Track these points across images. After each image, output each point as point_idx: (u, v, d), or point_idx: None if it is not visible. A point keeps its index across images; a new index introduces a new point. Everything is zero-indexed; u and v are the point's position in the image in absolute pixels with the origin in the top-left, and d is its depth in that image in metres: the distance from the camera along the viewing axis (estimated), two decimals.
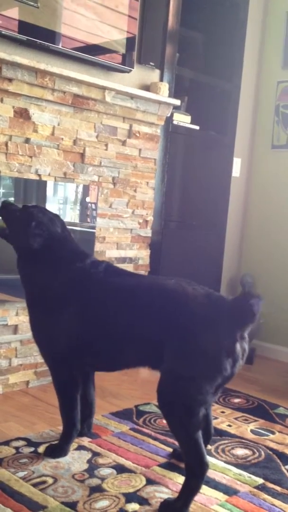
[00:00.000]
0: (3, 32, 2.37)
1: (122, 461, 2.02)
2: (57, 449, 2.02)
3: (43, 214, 2.02)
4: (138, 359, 1.89)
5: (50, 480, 1.84)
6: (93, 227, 2.99)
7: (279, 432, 2.42)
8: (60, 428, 2.08)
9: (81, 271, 1.96)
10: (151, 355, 1.81)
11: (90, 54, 2.71)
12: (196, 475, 1.70)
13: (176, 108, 3.22)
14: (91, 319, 1.90)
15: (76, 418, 2.02)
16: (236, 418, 2.54)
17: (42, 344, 2.02)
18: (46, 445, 2.07)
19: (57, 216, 2.07)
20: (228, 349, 1.68)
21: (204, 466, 1.69)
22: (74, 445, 2.10)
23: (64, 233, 2.04)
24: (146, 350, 1.82)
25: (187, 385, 1.68)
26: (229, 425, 2.45)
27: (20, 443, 2.10)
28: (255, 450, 2.21)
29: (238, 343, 1.70)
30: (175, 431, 1.76)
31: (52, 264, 1.98)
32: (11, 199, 3.11)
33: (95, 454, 2.06)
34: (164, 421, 2.38)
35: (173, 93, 3.22)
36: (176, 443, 2.15)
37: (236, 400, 2.77)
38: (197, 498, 1.76)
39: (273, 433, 2.40)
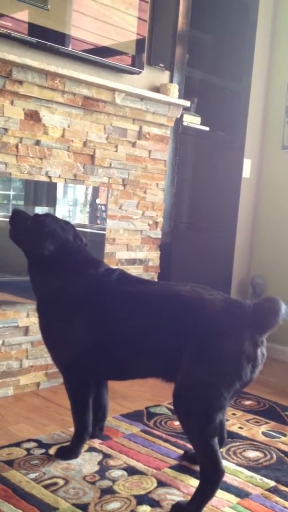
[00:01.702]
0: (13, 35, 2.38)
1: (133, 463, 2.02)
2: (68, 451, 2.01)
3: (54, 222, 2.01)
4: (151, 368, 1.86)
5: (61, 482, 1.84)
6: (103, 229, 2.99)
7: None
8: (71, 429, 2.08)
9: (94, 278, 1.94)
10: (165, 364, 1.79)
11: (100, 56, 2.71)
12: (211, 482, 1.69)
13: (186, 109, 3.22)
14: (104, 327, 1.89)
15: (88, 421, 2.02)
16: (247, 420, 2.52)
17: (54, 351, 2.01)
18: (57, 446, 2.07)
19: (68, 223, 2.06)
20: (249, 355, 1.67)
21: (219, 473, 1.68)
22: (85, 446, 2.10)
23: (76, 241, 2.03)
24: (161, 359, 1.80)
25: (206, 391, 1.66)
26: (240, 427, 2.43)
27: (31, 444, 2.10)
28: (267, 453, 2.20)
29: (259, 348, 1.70)
30: (191, 437, 1.75)
31: (65, 272, 1.96)
32: (21, 202, 3.13)
33: (106, 456, 2.05)
34: (175, 423, 2.38)
35: (183, 94, 3.22)
36: (187, 445, 2.15)
37: (247, 402, 2.76)
38: None
39: (284, 435, 2.39)
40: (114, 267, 2.07)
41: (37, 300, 2.03)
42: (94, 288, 1.93)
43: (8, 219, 2.08)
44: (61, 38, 2.55)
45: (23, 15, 2.41)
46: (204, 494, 1.70)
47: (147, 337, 1.81)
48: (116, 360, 1.92)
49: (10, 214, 2.11)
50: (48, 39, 2.49)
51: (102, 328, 1.89)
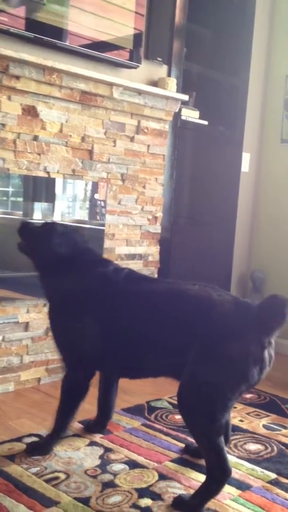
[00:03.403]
0: (10, 30, 2.37)
1: (134, 456, 2.02)
2: (41, 447, 2.00)
3: (64, 227, 2.07)
4: (162, 367, 1.86)
5: (62, 476, 1.85)
6: (102, 224, 2.99)
7: None
8: (72, 425, 2.08)
9: (103, 277, 1.96)
10: (174, 363, 1.78)
11: (97, 50, 2.71)
12: (217, 480, 1.68)
13: (184, 103, 3.21)
14: (113, 326, 1.89)
15: (70, 422, 2.01)
16: (248, 413, 2.53)
17: (63, 348, 2.02)
18: (59, 441, 2.06)
19: (76, 230, 2.11)
20: (256, 357, 1.66)
21: (226, 472, 1.67)
22: (86, 441, 2.11)
23: (85, 244, 2.07)
24: (171, 358, 1.79)
25: (211, 392, 1.65)
26: (241, 420, 2.44)
27: (33, 439, 2.10)
28: (268, 445, 2.20)
29: (266, 350, 1.69)
30: (197, 437, 1.74)
31: (75, 272, 1.98)
32: (20, 198, 3.12)
33: (107, 450, 2.06)
34: (176, 417, 2.38)
35: (181, 89, 3.21)
36: (188, 438, 2.15)
37: (248, 396, 2.76)
38: None
39: (285, 428, 2.39)
40: (123, 266, 2.09)
41: (49, 303, 2.06)
42: (103, 286, 1.94)
43: (6, 216, 2.11)
44: (58, 32, 2.55)
45: (20, 10, 2.40)
46: (208, 491, 1.70)
47: (155, 335, 1.80)
48: (125, 358, 1.91)
49: (18, 225, 2.15)
50: (45, 34, 2.49)
51: (110, 325, 1.89)
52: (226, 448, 2.11)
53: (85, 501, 1.71)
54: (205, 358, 1.68)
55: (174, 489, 1.81)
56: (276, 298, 1.68)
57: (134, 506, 1.70)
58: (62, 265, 1.99)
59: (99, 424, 2.19)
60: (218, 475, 1.68)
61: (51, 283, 2.03)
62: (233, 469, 1.95)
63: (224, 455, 1.68)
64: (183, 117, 3.25)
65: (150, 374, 1.96)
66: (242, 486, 1.87)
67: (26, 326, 2.66)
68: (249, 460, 2.06)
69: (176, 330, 1.76)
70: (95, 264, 2.01)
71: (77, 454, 2.00)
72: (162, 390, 2.68)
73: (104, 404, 2.19)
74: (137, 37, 2.86)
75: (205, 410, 1.67)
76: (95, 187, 3.15)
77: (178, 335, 1.75)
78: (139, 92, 2.90)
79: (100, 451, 2.05)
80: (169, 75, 3.17)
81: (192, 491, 1.77)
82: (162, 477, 1.89)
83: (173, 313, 1.78)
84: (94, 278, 1.96)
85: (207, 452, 1.70)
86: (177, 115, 3.21)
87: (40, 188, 3.14)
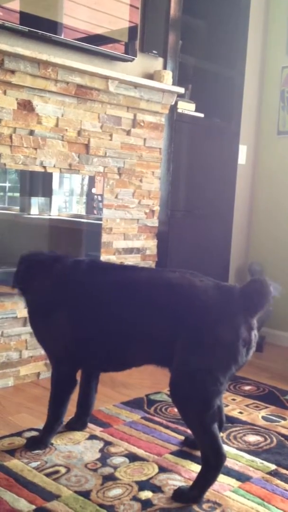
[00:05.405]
0: (5, 24, 2.36)
1: (134, 449, 2.03)
2: (37, 442, 2.00)
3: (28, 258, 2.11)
4: (144, 357, 1.86)
5: (63, 470, 1.85)
6: (100, 219, 2.98)
7: None
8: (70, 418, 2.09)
9: (68, 272, 1.97)
10: (158, 352, 1.79)
11: (93, 44, 2.69)
12: (213, 467, 1.69)
13: (180, 96, 3.20)
14: (90, 319, 1.88)
15: (63, 414, 2.02)
16: (247, 405, 2.54)
17: (44, 346, 2.06)
18: (59, 435, 2.07)
19: (53, 259, 2.07)
20: (245, 339, 1.68)
21: (221, 457, 1.68)
22: (86, 434, 2.12)
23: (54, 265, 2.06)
24: (154, 347, 1.79)
25: (204, 378, 1.67)
26: (241, 412, 2.45)
27: (32, 434, 2.11)
28: (267, 437, 2.21)
29: (253, 331, 1.70)
30: (191, 424, 1.75)
31: (42, 275, 2.02)
32: (17, 194, 3.12)
33: (107, 443, 2.07)
34: (175, 410, 2.38)
35: (177, 81, 3.20)
36: (188, 431, 2.15)
37: (247, 388, 2.77)
38: None
39: (284, 419, 2.40)
40: (123, 261, 2.08)
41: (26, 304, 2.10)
42: (69, 280, 1.95)
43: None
44: (53, 26, 2.53)
45: (14, 3, 2.39)
46: (206, 479, 1.71)
47: (138, 327, 1.80)
48: (106, 351, 1.90)
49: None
50: (40, 28, 2.48)
51: (87, 319, 1.89)
52: (225, 440, 2.13)
53: (86, 494, 1.71)
54: (196, 345, 1.68)
55: (174, 481, 1.82)
56: (258, 281, 1.71)
57: (135, 498, 1.71)
58: (32, 279, 2.05)
59: (79, 420, 2.17)
60: (213, 462, 1.69)
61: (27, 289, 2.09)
62: (232, 461, 1.98)
63: (219, 441, 1.69)
64: (179, 110, 3.24)
65: (135, 365, 1.95)
66: (242, 477, 1.88)
67: (25, 321, 2.66)
68: (248, 452, 2.07)
69: (161, 319, 1.75)
70: (69, 266, 2.01)
71: (77, 448, 2.01)
72: (161, 383, 2.68)
73: (84, 400, 2.17)
74: (132, 30, 2.85)
75: (200, 397, 1.68)
76: (92, 181, 3.14)
77: (163, 324, 1.74)
78: (135, 85, 2.89)
79: (100, 444, 2.05)
80: (164, 68, 3.16)
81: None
82: (162, 469, 1.90)
83: (157, 302, 1.78)
84: (57, 274, 1.98)
85: (202, 439, 1.71)
86: (173, 108, 3.20)
87: (36, 183, 3.14)
